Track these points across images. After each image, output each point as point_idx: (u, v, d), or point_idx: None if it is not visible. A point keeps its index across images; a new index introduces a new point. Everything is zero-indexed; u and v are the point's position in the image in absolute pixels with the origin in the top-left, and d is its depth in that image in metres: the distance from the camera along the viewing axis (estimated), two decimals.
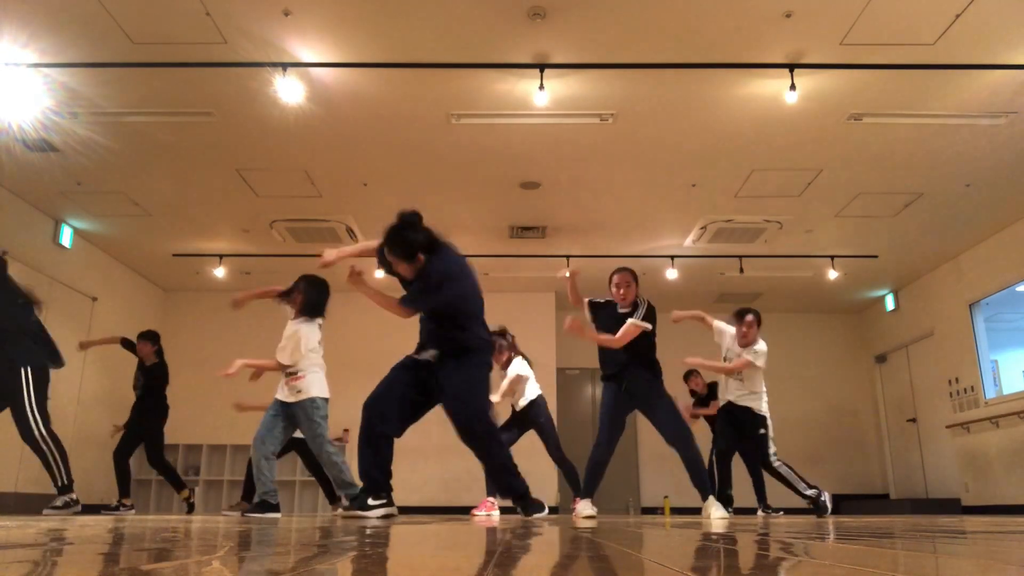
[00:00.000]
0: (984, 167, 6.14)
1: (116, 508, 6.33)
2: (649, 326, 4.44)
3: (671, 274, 8.24)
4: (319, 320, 4.64)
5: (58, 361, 4.83)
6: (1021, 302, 8.40)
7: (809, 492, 5.14)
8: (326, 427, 4.53)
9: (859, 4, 4.22)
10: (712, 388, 6.79)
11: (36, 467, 4.74)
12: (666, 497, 9.18)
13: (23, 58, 4.60)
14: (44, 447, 4.58)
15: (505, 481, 3.60)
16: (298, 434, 4.85)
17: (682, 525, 3.03)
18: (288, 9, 4.30)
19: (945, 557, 1.27)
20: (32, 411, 4.53)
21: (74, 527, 2.47)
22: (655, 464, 9.38)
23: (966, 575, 0.98)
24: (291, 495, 8.85)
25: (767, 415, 5.37)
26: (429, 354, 3.47)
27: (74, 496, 4.76)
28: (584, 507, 4.53)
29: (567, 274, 4.67)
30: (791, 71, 4.76)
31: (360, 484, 3.60)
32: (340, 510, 4.84)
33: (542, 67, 4.77)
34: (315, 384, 4.50)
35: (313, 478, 6.21)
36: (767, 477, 6.10)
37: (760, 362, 5.27)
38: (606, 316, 4.59)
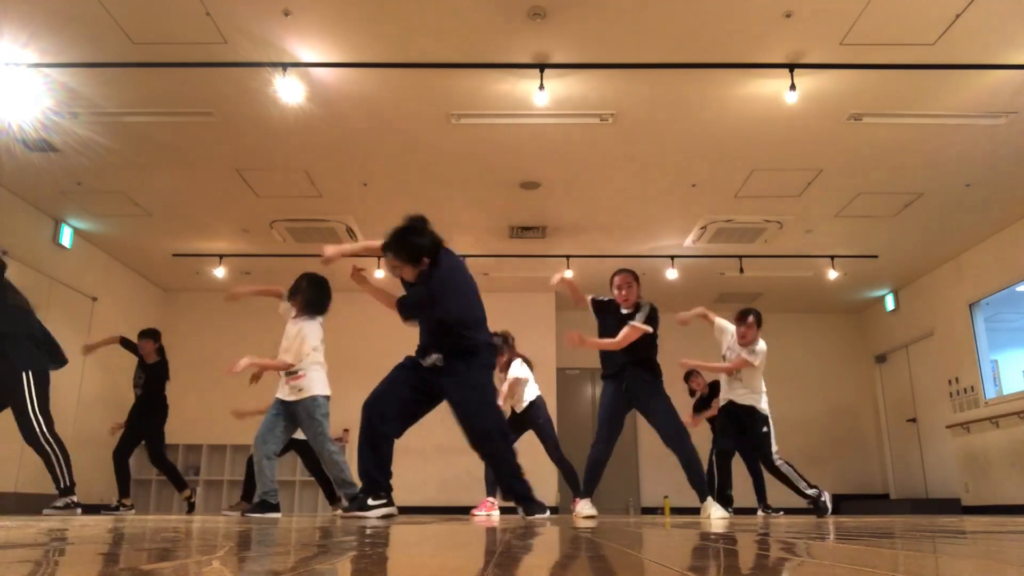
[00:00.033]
0: (984, 167, 6.14)
1: (116, 508, 6.33)
2: (650, 329, 4.44)
3: (671, 274, 8.24)
4: (320, 318, 4.64)
5: (60, 361, 4.84)
6: (1021, 302, 8.40)
7: (810, 492, 5.14)
8: (327, 425, 4.53)
9: (859, 4, 4.22)
10: (714, 387, 6.79)
11: (36, 467, 4.74)
12: (666, 497, 9.18)
13: (23, 58, 4.60)
14: (47, 448, 4.59)
15: (511, 484, 3.60)
16: (298, 434, 4.85)
17: (682, 525, 3.03)
18: (288, 9, 4.30)
19: (945, 557, 1.27)
20: (35, 414, 4.54)
21: (74, 527, 2.47)
22: (655, 464, 9.38)
23: (966, 575, 0.98)
24: (291, 495, 8.85)
25: (768, 413, 5.37)
26: (432, 359, 3.47)
27: (75, 499, 4.77)
28: (584, 507, 4.53)
29: (564, 276, 4.67)
30: (791, 71, 4.76)
31: (360, 484, 3.60)
32: (340, 510, 4.84)
33: (542, 67, 4.77)
34: (316, 382, 4.49)
35: (313, 478, 6.20)
36: (767, 477, 6.11)
37: (758, 362, 5.28)
38: (609, 316, 4.59)
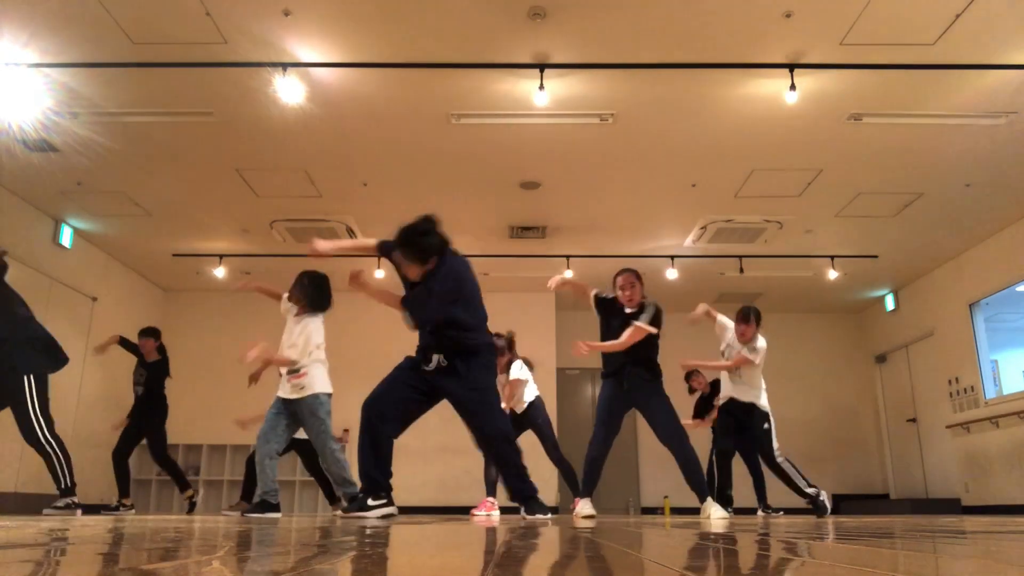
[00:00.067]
0: (984, 167, 6.14)
1: (116, 508, 6.33)
2: (654, 330, 4.44)
3: (671, 274, 8.24)
4: (322, 315, 4.63)
5: (62, 362, 4.84)
6: (1021, 302, 8.40)
7: (809, 491, 5.15)
8: (330, 423, 4.52)
9: (859, 4, 4.23)
10: (715, 386, 6.79)
11: (36, 467, 4.74)
12: (666, 497, 9.18)
13: (23, 58, 4.60)
14: (48, 449, 4.60)
15: (516, 484, 3.60)
16: (299, 434, 4.84)
17: (682, 525, 3.03)
18: (288, 9, 4.30)
19: (945, 557, 1.27)
20: (36, 415, 4.56)
21: (74, 527, 2.47)
22: (655, 464, 9.38)
23: (966, 575, 0.98)
24: (291, 495, 8.85)
25: (769, 410, 5.37)
26: (434, 362, 3.47)
27: (76, 499, 4.77)
28: (584, 507, 4.53)
29: (564, 277, 4.65)
30: (791, 71, 4.76)
31: (360, 484, 3.60)
32: (339, 510, 4.84)
33: (542, 67, 4.77)
34: (319, 379, 4.49)
35: (312, 478, 6.20)
36: (767, 477, 6.11)
37: (758, 359, 5.29)
38: (613, 315, 4.57)
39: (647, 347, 4.49)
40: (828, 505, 5.23)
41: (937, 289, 8.66)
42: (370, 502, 3.44)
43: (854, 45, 4.58)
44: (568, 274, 7.10)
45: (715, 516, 4.34)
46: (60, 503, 4.70)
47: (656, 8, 4.30)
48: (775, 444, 5.28)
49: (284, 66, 4.74)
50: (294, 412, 4.49)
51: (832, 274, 8.45)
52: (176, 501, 8.84)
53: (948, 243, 7.87)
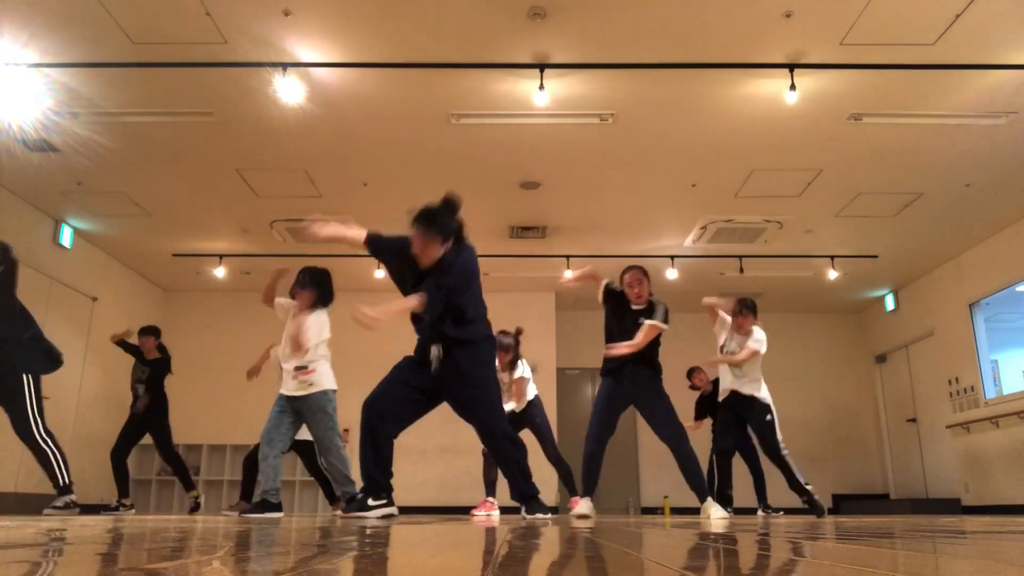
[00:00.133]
0: (984, 167, 6.14)
1: (116, 508, 6.33)
2: (666, 327, 4.45)
3: (671, 274, 8.25)
4: (326, 310, 4.61)
5: (57, 363, 4.85)
6: (1021, 302, 8.40)
7: (809, 487, 5.19)
8: (336, 419, 4.51)
9: (859, 4, 4.23)
10: (717, 384, 6.79)
11: (37, 467, 4.74)
12: (666, 497, 9.18)
13: (23, 58, 4.60)
14: (45, 447, 4.60)
15: (519, 483, 3.57)
16: (299, 434, 4.83)
17: (682, 525, 3.03)
18: (288, 9, 4.30)
19: (945, 557, 1.27)
20: (34, 414, 4.57)
21: (74, 527, 2.47)
22: (655, 464, 9.39)
23: (966, 575, 0.98)
24: (291, 495, 8.85)
25: (771, 402, 5.38)
26: (433, 354, 3.43)
27: (74, 498, 4.77)
28: (582, 506, 4.51)
29: (582, 272, 4.62)
30: (791, 71, 4.76)
31: (360, 483, 3.59)
32: (339, 510, 4.83)
33: (542, 67, 4.77)
34: (326, 376, 4.47)
35: (312, 478, 6.20)
36: (768, 476, 6.11)
37: (763, 349, 5.35)
38: (622, 312, 4.53)
39: (650, 345, 4.48)
40: (823, 506, 5.28)
41: (937, 289, 8.66)
42: (370, 502, 3.43)
43: (854, 45, 4.58)
44: (569, 274, 7.08)
45: (715, 516, 4.33)
46: (59, 503, 4.70)
47: (656, 8, 4.30)
48: (779, 436, 5.28)
49: (284, 66, 4.74)
50: (298, 410, 4.47)
51: (832, 274, 8.45)
52: (176, 501, 8.85)
53: (948, 243, 7.88)
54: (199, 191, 6.70)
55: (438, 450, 8.64)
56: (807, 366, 10.17)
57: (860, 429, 10.25)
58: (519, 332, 5.64)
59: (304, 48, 4.66)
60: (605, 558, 1.26)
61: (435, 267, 3.36)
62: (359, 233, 3.53)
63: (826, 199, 6.80)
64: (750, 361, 5.36)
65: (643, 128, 5.62)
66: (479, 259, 3.60)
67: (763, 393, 5.38)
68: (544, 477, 7.48)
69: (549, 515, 3.65)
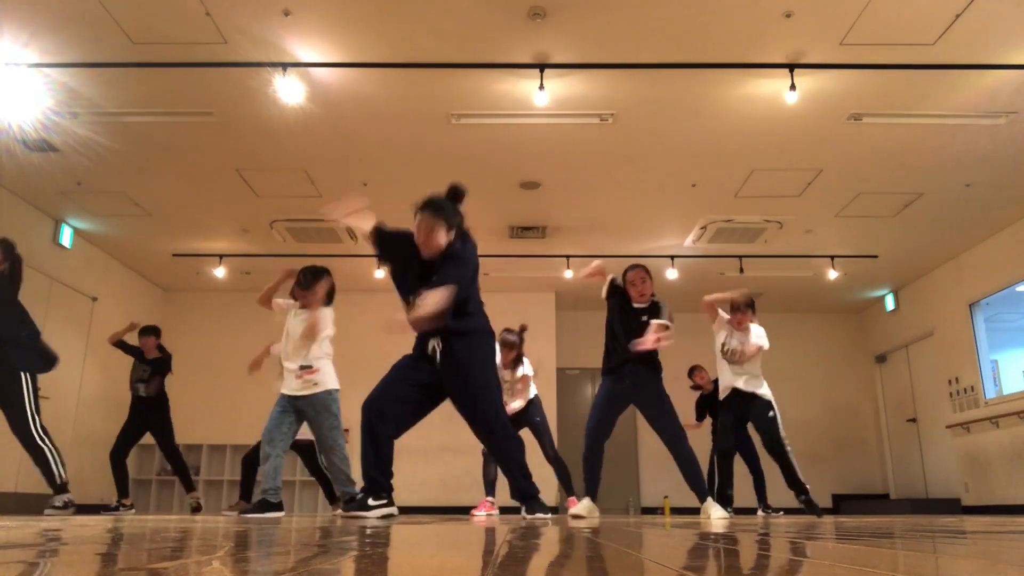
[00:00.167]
0: (984, 167, 6.14)
1: (116, 508, 6.33)
2: (671, 324, 4.46)
3: (671, 274, 8.25)
4: (329, 309, 4.61)
5: (53, 363, 4.87)
6: (1021, 302, 8.40)
7: (807, 486, 5.20)
8: (340, 419, 4.51)
9: (859, 4, 4.23)
10: (717, 383, 6.78)
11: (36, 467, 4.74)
12: (666, 497, 9.18)
13: (23, 58, 4.60)
14: (43, 446, 4.60)
15: (519, 482, 3.54)
16: (299, 434, 4.82)
17: (682, 525, 3.03)
18: (288, 9, 4.30)
19: (945, 557, 1.27)
20: (31, 413, 4.57)
21: (74, 527, 2.47)
22: (655, 464, 9.39)
23: (966, 575, 0.98)
24: (291, 495, 8.85)
25: (772, 399, 5.38)
26: (432, 345, 3.42)
27: (71, 496, 4.77)
28: (580, 507, 4.50)
29: (594, 267, 4.61)
30: (791, 71, 4.76)
31: (360, 484, 3.59)
32: (339, 510, 4.82)
33: (542, 67, 4.77)
34: (330, 375, 4.48)
35: (313, 478, 6.20)
36: (768, 476, 6.11)
37: (767, 344, 5.39)
38: (628, 311, 4.52)
39: None
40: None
41: (937, 289, 8.66)
42: (370, 502, 3.43)
43: (854, 45, 4.58)
44: (568, 273, 7.08)
45: (715, 516, 4.33)
46: (58, 502, 4.69)
47: (656, 8, 4.30)
48: (783, 432, 5.29)
49: (284, 66, 4.74)
50: (301, 409, 4.46)
51: (832, 274, 8.45)
52: (176, 501, 8.85)
53: (948, 243, 7.88)
54: (199, 191, 6.70)
55: (438, 450, 8.64)
56: (807, 366, 10.17)
57: (860, 429, 10.25)
58: (523, 329, 5.64)
59: (304, 48, 4.66)
60: (605, 558, 1.26)
61: (442, 258, 3.34)
62: (367, 225, 3.50)
63: (826, 199, 6.80)
64: (752, 358, 5.38)
65: (643, 128, 5.62)
66: (480, 259, 3.60)
67: (764, 390, 5.39)
68: (544, 477, 7.49)
69: (549, 515, 3.64)
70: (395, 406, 3.43)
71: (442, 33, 4.54)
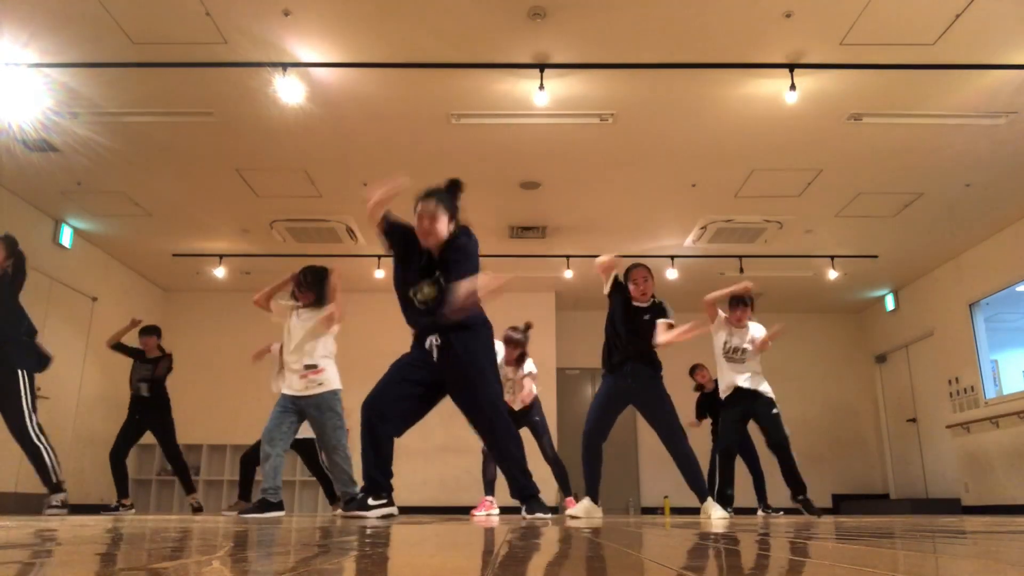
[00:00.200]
0: (984, 167, 6.14)
1: (116, 508, 6.33)
2: (674, 324, 4.47)
3: (671, 274, 8.25)
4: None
5: (47, 363, 4.88)
6: (1021, 302, 8.40)
7: (804, 483, 5.21)
8: (344, 419, 4.51)
9: (859, 4, 4.23)
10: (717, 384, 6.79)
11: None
12: (666, 497, 9.18)
13: (23, 58, 4.60)
14: (39, 444, 4.60)
15: (519, 481, 3.52)
16: (299, 434, 4.82)
17: (682, 525, 3.03)
18: (288, 9, 4.30)
19: (945, 557, 1.27)
20: (28, 412, 4.57)
21: (73, 527, 2.47)
22: (655, 464, 9.39)
23: (966, 575, 0.98)
24: (291, 495, 8.85)
25: (773, 396, 5.39)
26: (430, 341, 3.42)
27: (66, 496, 4.77)
28: (578, 507, 4.49)
29: (609, 258, 4.61)
30: (791, 71, 4.76)
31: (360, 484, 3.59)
32: (339, 510, 4.82)
33: (542, 67, 4.77)
34: (334, 375, 4.48)
35: (314, 478, 6.21)
36: (768, 476, 6.11)
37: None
38: (630, 310, 4.53)
39: (650, 340, 4.49)
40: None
41: (937, 289, 8.66)
42: (370, 502, 3.43)
43: (854, 45, 4.58)
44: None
45: (715, 516, 4.32)
46: (55, 500, 4.69)
47: (656, 8, 4.30)
48: (787, 430, 5.31)
49: (284, 66, 4.74)
50: (303, 409, 4.46)
51: (832, 274, 8.45)
52: (176, 501, 8.85)
53: (948, 243, 7.88)
54: (199, 191, 6.70)
55: (438, 450, 8.64)
56: (807, 366, 10.17)
57: (860, 429, 10.25)
58: (529, 327, 5.63)
59: (304, 48, 4.66)
60: (605, 558, 1.26)
61: (450, 251, 3.38)
62: (380, 210, 3.52)
63: (826, 199, 6.80)
64: (754, 356, 5.39)
65: (643, 128, 5.62)
66: (480, 258, 3.62)
67: (766, 387, 5.40)
68: (543, 477, 7.49)
69: (549, 515, 3.63)
70: (395, 406, 3.43)
71: (442, 33, 4.54)
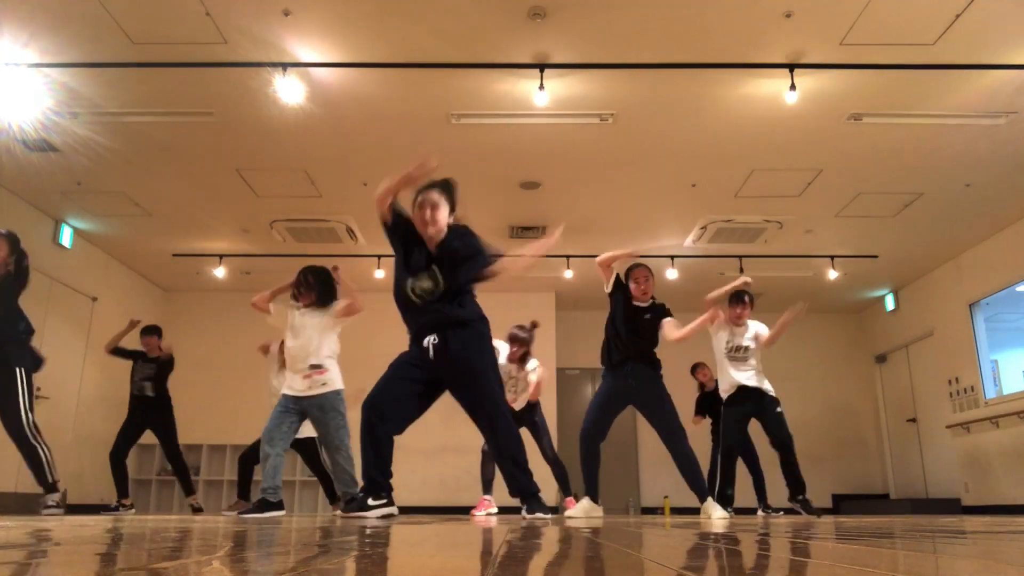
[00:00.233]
0: (984, 167, 6.14)
1: (116, 509, 6.33)
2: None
3: (671, 274, 8.25)
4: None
5: (40, 364, 4.89)
6: (1021, 302, 8.40)
7: (804, 482, 5.22)
8: (347, 419, 4.50)
9: (859, 4, 4.23)
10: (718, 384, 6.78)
11: None
12: (666, 497, 9.18)
13: (23, 58, 4.60)
14: (35, 442, 4.59)
15: (518, 480, 3.51)
16: (299, 433, 4.82)
17: (682, 525, 3.03)
18: (288, 9, 4.30)
19: (945, 557, 1.27)
20: (25, 411, 4.57)
21: (73, 527, 2.47)
22: (655, 464, 9.39)
23: (966, 575, 0.98)
24: (291, 495, 8.85)
25: (775, 395, 5.39)
26: (426, 343, 3.42)
27: (59, 496, 4.76)
28: (577, 508, 4.49)
29: (626, 252, 4.62)
30: (791, 71, 4.76)
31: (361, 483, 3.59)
32: (339, 510, 4.82)
33: (542, 67, 4.77)
34: (337, 375, 4.48)
35: (314, 478, 6.20)
36: (768, 476, 6.11)
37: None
38: (631, 309, 4.53)
39: (650, 341, 4.49)
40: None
41: (937, 289, 8.66)
42: (370, 502, 3.43)
43: (854, 45, 4.58)
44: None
45: (715, 516, 4.32)
46: (51, 500, 4.69)
47: (656, 8, 4.30)
48: (790, 429, 5.31)
49: (284, 66, 4.74)
50: (305, 409, 4.45)
51: (832, 274, 8.45)
52: (176, 501, 8.84)
53: (948, 243, 7.88)
54: (199, 191, 6.70)
55: (438, 450, 8.64)
56: (807, 366, 10.17)
57: (860, 429, 10.25)
58: (535, 325, 5.63)
59: (304, 48, 4.66)
60: (605, 558, 1.26)
61: (443, 246, 3.42)
62: (389, 198, 3.51)
63: (826, 199, 6.80)
64: (757, 353, 5.39)
65: (643, 128, 5.62)
66: None
67: (768, 386, 5.40)
68: (543, 477, 7.48)
69: (549, 515, 3.63)
70: (395, 405, 3.43)
71: (442, 33, 4.54)
